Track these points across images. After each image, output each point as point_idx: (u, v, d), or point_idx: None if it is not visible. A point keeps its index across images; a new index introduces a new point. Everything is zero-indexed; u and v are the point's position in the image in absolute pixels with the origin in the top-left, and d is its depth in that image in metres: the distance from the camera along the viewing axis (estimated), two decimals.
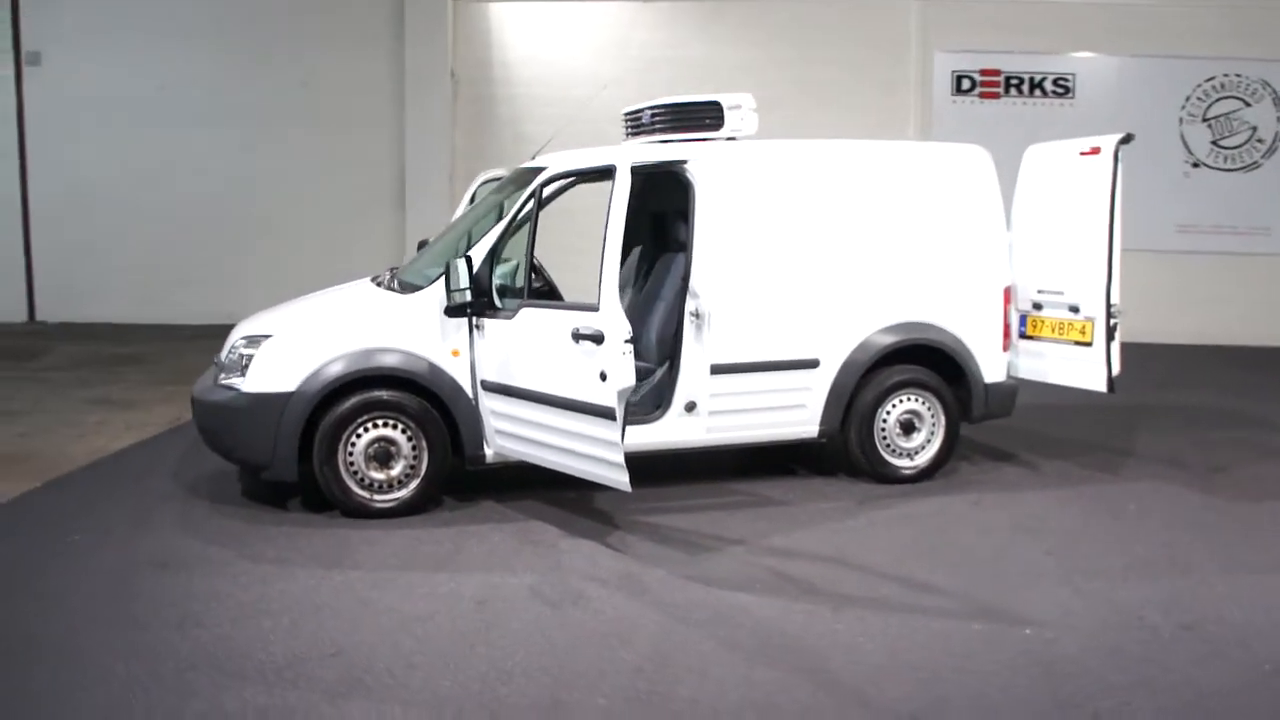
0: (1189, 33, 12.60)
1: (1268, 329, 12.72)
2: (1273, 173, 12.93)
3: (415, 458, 5.62)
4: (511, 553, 5.15)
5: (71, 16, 13.16)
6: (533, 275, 5.93)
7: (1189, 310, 12.59)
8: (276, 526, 5.49)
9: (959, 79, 12.94)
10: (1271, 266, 12.83)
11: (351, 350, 5.53)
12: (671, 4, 13.08)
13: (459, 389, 5.60)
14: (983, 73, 12.90)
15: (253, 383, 5.52)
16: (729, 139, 6.08)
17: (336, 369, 5.48)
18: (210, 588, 4.65)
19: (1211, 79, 12.85)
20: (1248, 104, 12.86)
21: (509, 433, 5.54)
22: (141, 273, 13.22)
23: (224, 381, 5.65)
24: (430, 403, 5.60)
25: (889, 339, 6.25)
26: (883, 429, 6.32)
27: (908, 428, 6.38)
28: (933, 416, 6.40)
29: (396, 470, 5.61)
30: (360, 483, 5.57)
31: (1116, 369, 6.28)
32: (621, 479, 4.94)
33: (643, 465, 5.81)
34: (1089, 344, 6.31)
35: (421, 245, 7.53)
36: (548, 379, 5.21)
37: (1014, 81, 12.91)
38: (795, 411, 6.17)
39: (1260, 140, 12.90)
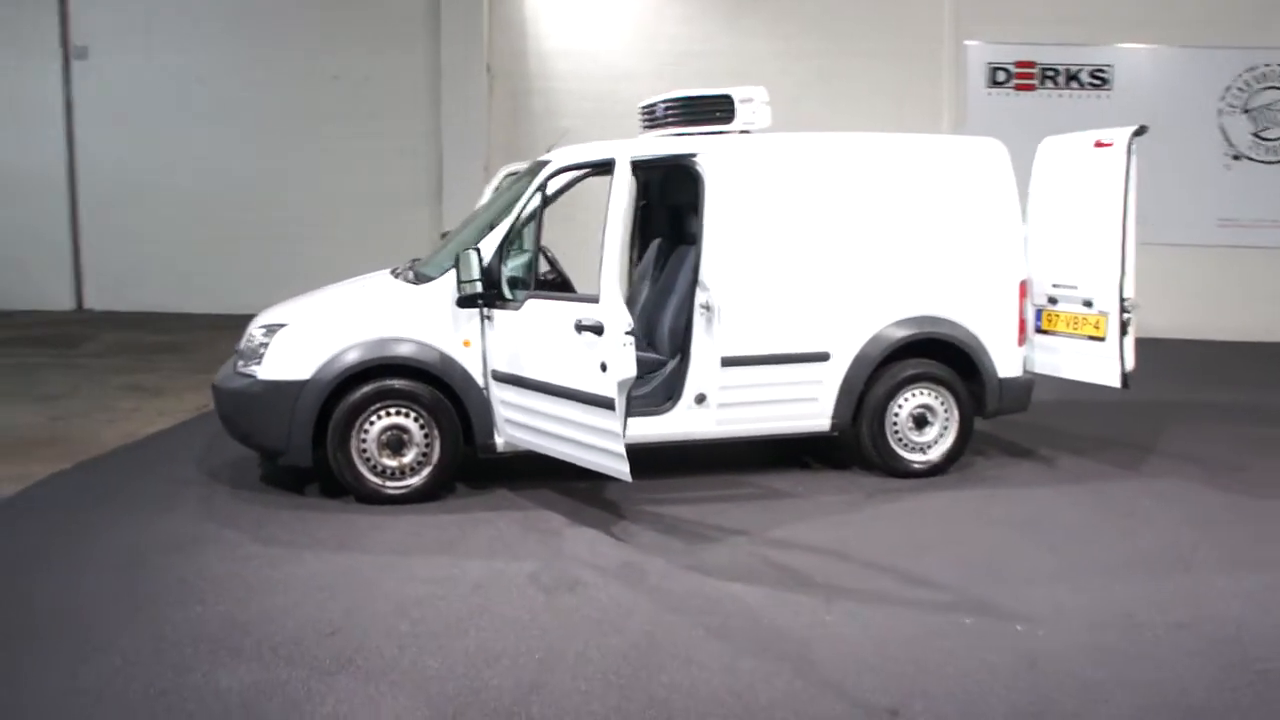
0: (1228, 21, 12.32)
1: None
2: None
3: (427, 446, 5.72)
4: (516, 540, 5.23)
5: (117, 12, 13.56)
6: (543, 266, 6.00)
7: (1229, 306, 12.38)
8: (292, 511, 5.63)
9: (994, 71, 12.79)
10: None
11: (365, 339, 5.66)
12: None
13: (470, 378, 5.70)
14: (1018, 64, 12.72)
15: (269, 370, 5.66)
16: (742, 132, 6.10)
17: (350, 358, 5.61)
18: (220, 568, 4.80)
19: (1253, 69, 12.58)
20: None
21: (517, 422, 5.63)
22: (186, 263, 13.56)
23: (242, 369, 5.81)
24: (442, 392, 5.70)
25: (901, 333, 6.24)
26: (895, 423, 6.31)
27: (920, 422, 6.36)
28: (945, 411, 6.37)
29: (409, 458, 5.72)
30: (373, 469, 5.69)
31: (1130, 364, 6.22)
32: (622, 469, 4.99)
33: (654, 457, 5.89)
34: (1103, 339, 6.25)
35: (444, 236, 7.64)
36: (552, 369, 5.28)
37: (1049, 73, 12.72)
38: (806, 405, 6.18)
39: None
